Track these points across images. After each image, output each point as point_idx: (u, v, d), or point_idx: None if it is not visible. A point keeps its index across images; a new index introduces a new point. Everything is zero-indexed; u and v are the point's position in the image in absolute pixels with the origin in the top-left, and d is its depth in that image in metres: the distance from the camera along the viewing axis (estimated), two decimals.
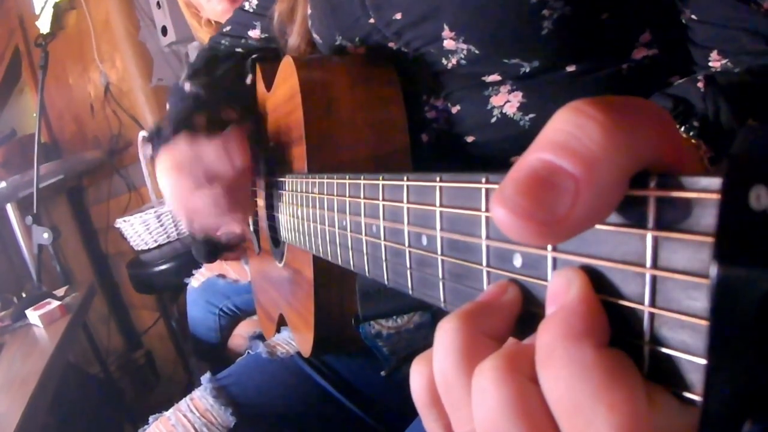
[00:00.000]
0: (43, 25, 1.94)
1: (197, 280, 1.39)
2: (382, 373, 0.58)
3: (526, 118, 0.55)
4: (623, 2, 0.49)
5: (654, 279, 0.18)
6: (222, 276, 1.34)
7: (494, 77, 0.55)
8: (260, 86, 0.85)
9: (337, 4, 0.63)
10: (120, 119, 2.36)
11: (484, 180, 0.24)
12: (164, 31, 1.99)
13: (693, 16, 0.48)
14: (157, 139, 0.75)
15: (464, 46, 0.53)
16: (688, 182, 0.17)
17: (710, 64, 0.48)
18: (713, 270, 0.15)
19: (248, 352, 0.80)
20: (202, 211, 0.69)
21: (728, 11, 0.45)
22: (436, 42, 0.55)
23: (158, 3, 1.96)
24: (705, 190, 0.16)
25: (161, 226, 1.77)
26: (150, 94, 2.15)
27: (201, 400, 0.71)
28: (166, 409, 0.74)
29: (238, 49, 0.92)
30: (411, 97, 0.61)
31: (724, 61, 0.47)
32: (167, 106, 0.87)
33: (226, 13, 1.19)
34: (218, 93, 0.86)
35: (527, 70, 0.53)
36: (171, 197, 0.69)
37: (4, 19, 3.06)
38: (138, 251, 1.87)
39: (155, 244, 1.81)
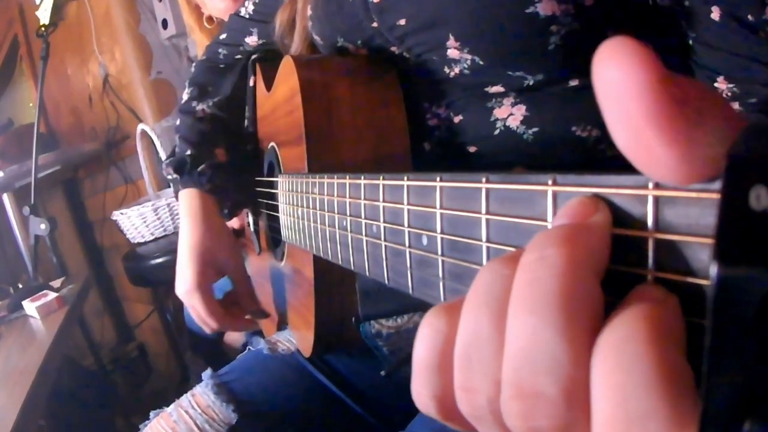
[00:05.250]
0: (43, 15, 1.93)
1: None
2: (382, 372, 0.58)
3: (530, 131, 0.55)
4: (629, 18, 0.49)
5: (654, 280, 0.18)
6: None
7: (497, 88, 0.55)
8: (260, 86, 0.85)
9: (339, 5, 0.63)
10: (118, 111, 2.35)
11: (484, 180, 0.24)
12: (164, 24, 1.98)
13: (699, 41, 0.47)
14: (189, 177, 0.81)
15: (468, 57, 0.53)
16: None
17: (716, 86, 0.48)
18: (713, 270, 0.15)
19: (249, 349, 0.80)
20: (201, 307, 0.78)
21: (738, 40, 0.44)
22: (440, 50, 0.54)
23: None
24: (705, 190, 0.16)
25: (158, 219, 1.77)
26: (149, 86, 2.15)
27: (202, 396, 0.70)
28: (158, 402, 0.74)
29: (238, 56, 0.91)
30: (412, 104, 0.61)
31: (730, 85, 0.47)
32: (176, 124, 0.88)
33: (228, 10, 1.19)
34: (233, 113, 0.89)
35: (531, 83, 0.53)
36: (186, 272, 0.78)
37: (4, 8, 3.05)
38: (134, 244, 1.86)
39: (152, 237, 1.81)
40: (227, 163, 0.84)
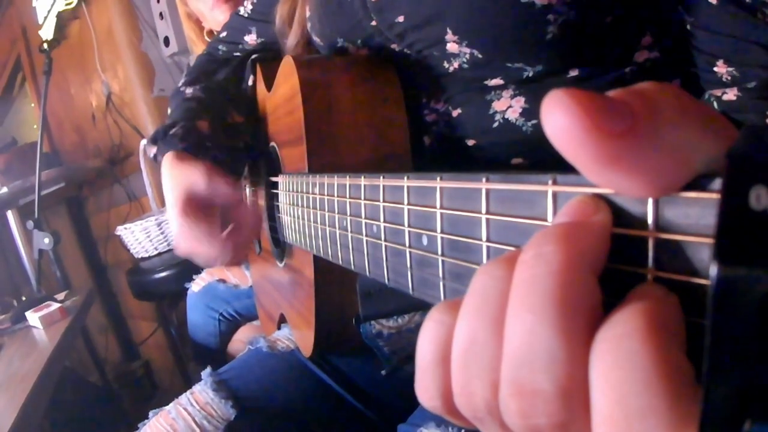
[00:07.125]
0: (46, 34, 1.95)
1: (197, 284, 1.39)
2: (383, 372, 0.57)
3: (529, 123, 0.55)
4: (626, 6, 0.50)
5: (654, 279, 0.18)
6: (222, 281, 1.33)
7: (496, 81, 0.55)
8: (260, 86, 0.86)
9: (338, 6, 0.63)
10: (121, 129, 2.37)
11: (484, 180, 0.25)
12: (166, 41, 2.00)
13: (698, 25, 0.48)
14: (163, 142, 0.75)
15: (467, 50, 0.53)
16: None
17: (715, 69, 0.48)
18: (713, 270, 0.15)
19: (249, 348, 0.80)
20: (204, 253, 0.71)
21: (735, 23, 0.45)
22: (439, 45, 0.55)
23: (161, 14, 1.97)
24: (705, 190, 0.16)
25: (162, 233, 1.77)
26: (152, 104, 2.16)
27: (201, 393, 0.70)
28: None
29: (237, 54, 0.92)
30: (411, 100, 0.61)
31: (730, 69, 0.47)
32: (169, 111, 0.88)
33: None
34: (220, 97, 0.86)
35: (530, 75, 0.53)
36: (179, 234, 0.71)
37: (7, 28, 3.08)
38: (138, 259, 1.87)
39: (155, 252, 1.81)
40: (209, 134, 0.79)
